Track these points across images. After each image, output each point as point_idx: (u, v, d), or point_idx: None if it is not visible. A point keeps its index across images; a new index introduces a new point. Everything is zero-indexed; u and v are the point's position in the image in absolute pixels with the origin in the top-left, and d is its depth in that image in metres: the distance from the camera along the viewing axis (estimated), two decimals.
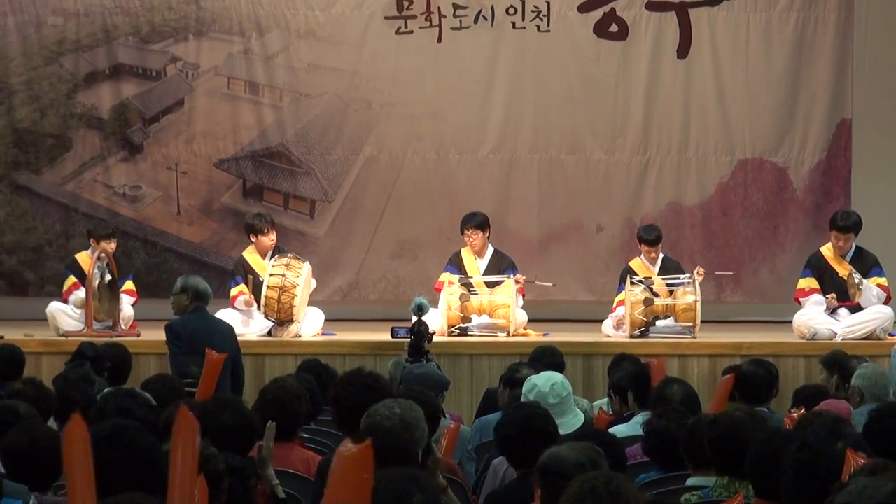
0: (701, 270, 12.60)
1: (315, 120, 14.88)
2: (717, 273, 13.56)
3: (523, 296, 12.78)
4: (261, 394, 7.12)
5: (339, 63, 14.80)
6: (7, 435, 5.72)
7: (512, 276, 12.59)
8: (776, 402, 8.88)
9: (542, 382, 7.35)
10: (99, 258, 12.27)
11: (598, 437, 5.87)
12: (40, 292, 14.02)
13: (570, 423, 7.25)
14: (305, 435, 7.18)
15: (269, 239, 12.72)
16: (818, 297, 12.37)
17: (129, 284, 12.75)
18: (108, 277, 12.26)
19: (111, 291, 12.31)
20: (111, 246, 12.56)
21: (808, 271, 12.55)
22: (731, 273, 13.87)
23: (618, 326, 12.49)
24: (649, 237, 12.89)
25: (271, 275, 12.15)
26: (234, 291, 12.66)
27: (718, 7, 14.71)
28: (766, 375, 8.62)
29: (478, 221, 12.89)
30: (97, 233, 12.69)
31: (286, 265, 12.22)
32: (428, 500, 3.97)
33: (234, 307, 12.58)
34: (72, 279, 12.60)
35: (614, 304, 12.78)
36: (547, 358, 9.46)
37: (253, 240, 12.79)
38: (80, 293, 12.38)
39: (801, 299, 12.51)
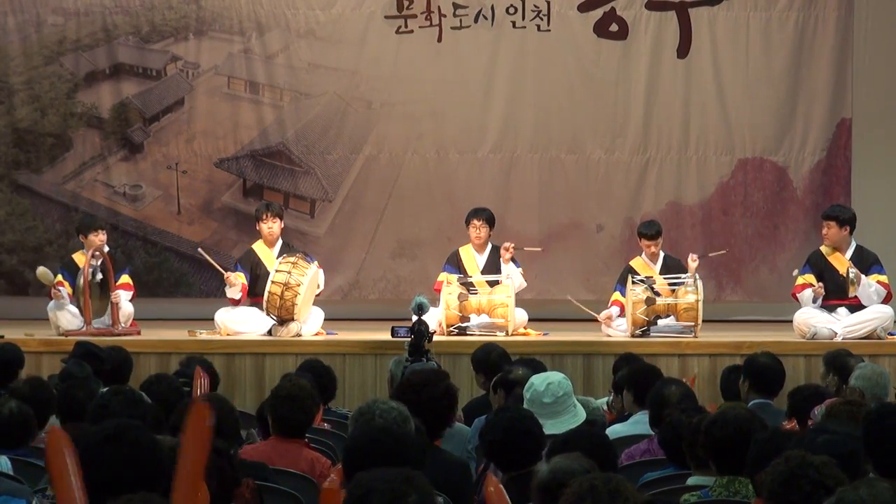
0: (695, 257, 12.70)
1: (315, 119, 14.88)
2: (710, 255, 13.53)
3: (516, 262, 12.75)
4: (275, 391, 7.17)
5: (339, 63, 14.80)
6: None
7: (510, 275, 12.61)
8: (776, 400, 8.88)
9: (539, 382, 7.37)
10: (94, 256, 12.23)
11: (590, 437, 5.85)
12: (40, 292, 13.96)
13: (569, 422, 7.23)
14: (308, 436, 7.21)
15: (267, 226, 12.67)
16: (809, 292, 12.35)
17: (125, 278, 12.51)
18: (99, 276, 12.21)
19: (101, 290, 12.25)
20: (98, 238, 12.37)
21: (807, 268, 12.54)
22: (724, 252, 13.80)
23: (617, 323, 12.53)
24: (649, 231, 12.88)
25: (277, 271, 12.14)
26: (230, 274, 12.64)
27: (718, 6, 14.72)
28: (780, 368, 8.78)
29: (487, 215, 12.93)
30: (84, 227, 12.58)
31: (293, 263, 12.20)
32: (422, 500, 3.96)
33: (227, 294, 12.55)
34: (58, 277, 12.50)
35: (610, 302, 12.80)
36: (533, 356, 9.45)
37: (257, 227, 12.82)
38: (61, 291, 12.31)
39: (797, 294, 12.52)
